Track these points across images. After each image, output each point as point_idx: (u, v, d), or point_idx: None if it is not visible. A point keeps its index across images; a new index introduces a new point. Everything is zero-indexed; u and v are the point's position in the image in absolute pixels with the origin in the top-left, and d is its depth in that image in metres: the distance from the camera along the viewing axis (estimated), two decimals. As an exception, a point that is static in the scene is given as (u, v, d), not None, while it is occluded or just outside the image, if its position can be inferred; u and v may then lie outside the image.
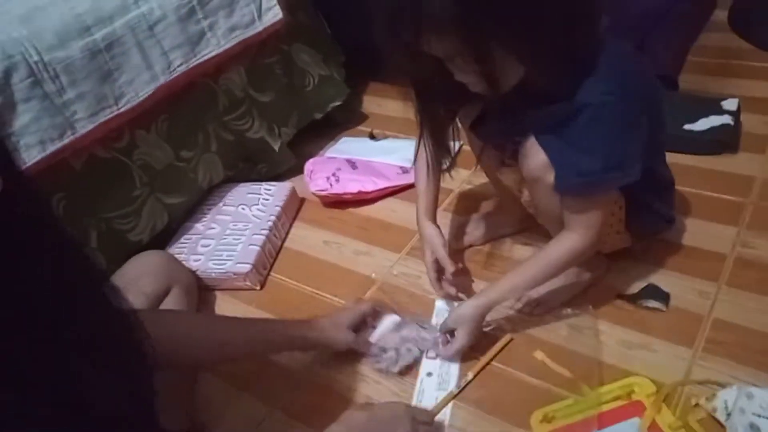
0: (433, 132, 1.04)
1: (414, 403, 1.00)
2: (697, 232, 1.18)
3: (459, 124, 1.08)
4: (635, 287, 1.09)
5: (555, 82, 0.83)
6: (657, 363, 0.97)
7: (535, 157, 0.92)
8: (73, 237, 0.62)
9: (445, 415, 0.97)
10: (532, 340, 1.05)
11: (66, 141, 1.15)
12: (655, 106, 0.93)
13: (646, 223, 1.08)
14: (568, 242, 0.96)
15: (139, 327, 0.67)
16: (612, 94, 0.83)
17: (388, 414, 0.86)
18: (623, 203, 1.02)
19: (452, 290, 1.13)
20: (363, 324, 1.10)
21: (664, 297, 1.06)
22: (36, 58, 1.10)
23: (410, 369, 1.06)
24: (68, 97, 1.14)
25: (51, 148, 1.13)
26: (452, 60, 0.84)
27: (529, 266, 0.99)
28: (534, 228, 1.19)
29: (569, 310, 1.08)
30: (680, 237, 1.17)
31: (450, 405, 0.98)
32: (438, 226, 1.14)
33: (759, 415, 0.81)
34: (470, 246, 1.28)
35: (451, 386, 1.01)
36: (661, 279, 1.10)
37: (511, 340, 1.06)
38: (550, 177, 0.91)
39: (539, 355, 1.02)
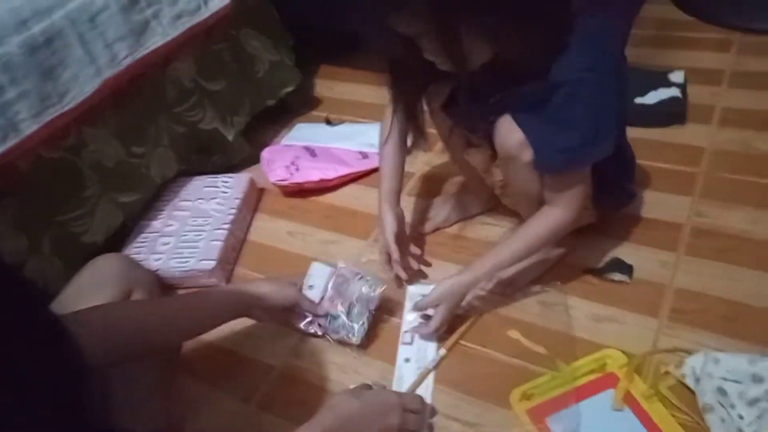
0: (406, 108, 1.03)
1: (394, 389, 1.00)
2: (654, 204, 1.22)
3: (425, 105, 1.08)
4: (600, 261, 1.13)
5: (527, 61, 0.83)
6: (626, 334, 1.01)
7: (511, 135, 0.92)
8: None
9: (428, 399, 0.98)
10: (506, 319, 1.07)
11: (10, 144, 1.08)
12: (624, 82, 0.95)
13: (612, 199, 1.11)
14: (550, 218, 0.97)
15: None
16: (589, 70, 0.84)
17: (379, 403, 0.87)
18: (590, 180, 1.04)
19: (402, 273, 1.13)
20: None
21: (627, 269, 1.10)
22: (-31, 56, 1.02)
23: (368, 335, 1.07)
24: (9, 96, 1.07)
25: (-6, 153, 1.06)
26: (420, 38, 0.83)
27: (512, 242, 1.00)
28: (500, 208, 1.21)
29: (539, 288, 1.10)
30: (639, 209, 1.21)
31: (431, 390, 0.99)
32: (400, 209, 1.14)
33: (726, 379, 0.86)
34: (436, 230, 1.28)
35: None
36: (624, 252, 1.14)
37: (481, 315, 1.08)
38: (527, 155, 0.92)
39: (513, 334, 1.04)
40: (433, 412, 0.97)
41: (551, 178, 0.95)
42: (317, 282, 1.13)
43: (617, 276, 1.09)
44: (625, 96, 0.98)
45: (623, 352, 0.96)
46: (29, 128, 1.10)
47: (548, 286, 1.11)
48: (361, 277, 1.10)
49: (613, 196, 1.10)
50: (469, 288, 1.02)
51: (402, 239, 1.13)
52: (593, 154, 0.92)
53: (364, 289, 1.09)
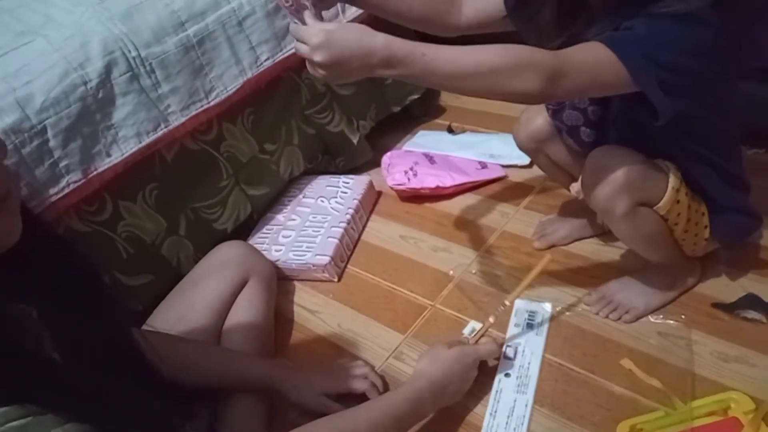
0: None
1: (491, 403, 0.99)
2: (801, 239, 1.10)
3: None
4: (732, 296, 1.03)
5: None
6: (756, 378, 0.91)
7: (600, 190, 0.88)
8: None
9: (524, 420, 0.95)
10: (619, 347, 1.01)
11: (160, 133, 1.19)
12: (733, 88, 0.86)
13: (728, 229, 1.01)
14: (542, 56, 0.73)
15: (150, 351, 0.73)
16: (708, 16, 0.73)
17: (460, 366, 0.94)
18: (705, 209, 0.97)
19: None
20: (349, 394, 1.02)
21: (763, 307, 1.00)
22: (134, 53, 1.15)
23: None
24: (162, 91, 1.19)
25: (146, 140, 1.18)
26: None
27: (467, 50, 0.74)
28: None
29: (660, 318, 1.03)
30: (782, 243, 1.10)
31: (529, 409, 0.96)
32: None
33: None
34: (552, 246, 1.24)
35: (531, 388, 0.99)
36: (761, 288, 1.03)
37: (551, 260, 1.03)
38: (620, 208, 0.88)
39: (626, 363, 0.98)
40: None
41: (592, 49, 0.76)
42: None
43: (751, 314, 0.99)
44: (734, 115, 0.89)
45: (751, 397, 0.87)
46: (177, 120, 1.22)
47: (671, 317, 1.03)
48: None
49: (729, 225, 0.99)
50: (370, 56, 0.72)
51: None
52: (664, 76, 0.75)
53: None
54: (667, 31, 0.74)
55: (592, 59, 0.75)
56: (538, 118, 1.10)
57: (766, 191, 1.06)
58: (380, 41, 0.72)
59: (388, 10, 0.93)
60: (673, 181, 0.90)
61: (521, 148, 1.17)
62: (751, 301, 1.01)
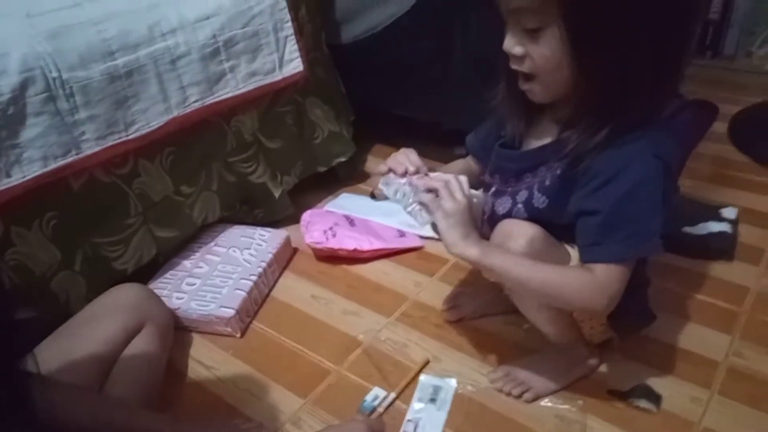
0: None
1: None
2: (691, 336, 1.17)
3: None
4: (627, 384, 1.07)
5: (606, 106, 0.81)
6: (645, 468, 0.94)
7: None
8: None
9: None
10: (519, 428, 1.01)
11: (69, 159, 1.12)
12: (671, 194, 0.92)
13: (625, 320, 1.05)
14: (587, 278, 0.85)
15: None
16: (661, 159, 0.82)
17: (346, 430, 0.96)
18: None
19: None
20: None
21: (655, 398, 1.04)
22: (55, 74, 1.09)
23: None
24: (79, 117, 1.13)
25: (52, 165, 1.10)
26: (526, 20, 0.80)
27: (534, 266, 0.88)
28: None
29: (559, 402, 1.05)
30: (674, 338, 1.16)
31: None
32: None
33: None
34: (461, 320, 1.25)
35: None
36: (654, 380, 1.08)
37: (428, 362, 1.14)
38: None
39: (524, 444, 0.98)
40: None
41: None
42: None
43: (643, 403, 1.03)
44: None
45: (639, 486, 0.89)
46: (90, 149, 1.15)
47: (569, 402, 1.05)
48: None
49: (626, 317, 1.02)
50: (475, 252, 0.87)
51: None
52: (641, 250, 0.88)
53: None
54: (622, 185, 0.82)
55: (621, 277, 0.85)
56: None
57: (662, 288, 1.12)
58: (475, 252, 0.87)
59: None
60: (575, 258, 0.94)
61: None
62: (643, 391, 1.05)
